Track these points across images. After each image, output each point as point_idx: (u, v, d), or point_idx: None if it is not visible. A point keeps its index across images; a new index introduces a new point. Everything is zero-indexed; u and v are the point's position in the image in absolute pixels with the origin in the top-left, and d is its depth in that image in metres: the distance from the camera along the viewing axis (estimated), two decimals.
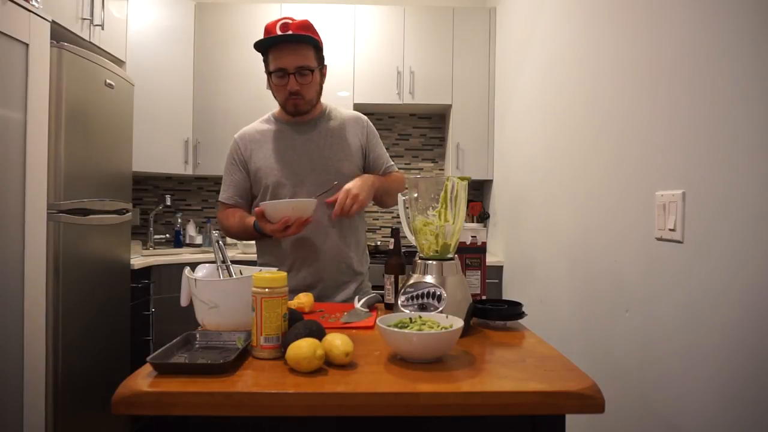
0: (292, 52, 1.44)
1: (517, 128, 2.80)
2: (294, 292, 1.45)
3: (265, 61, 1.51)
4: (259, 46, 1.47)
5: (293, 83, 1.46)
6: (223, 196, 1.60)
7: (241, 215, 1.55)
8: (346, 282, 1.58)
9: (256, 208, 1.40)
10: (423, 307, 1.07)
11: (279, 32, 1.43)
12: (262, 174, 1.53)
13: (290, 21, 1.46)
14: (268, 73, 1.50)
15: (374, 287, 1.68)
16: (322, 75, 1.57)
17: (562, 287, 2.04)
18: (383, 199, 1.61)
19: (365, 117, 1.67)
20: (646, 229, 1.38)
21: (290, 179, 1.52)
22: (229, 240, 3.42)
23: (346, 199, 1.42)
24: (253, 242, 3.29)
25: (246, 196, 1.59)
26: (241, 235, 1.55)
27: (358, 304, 1.33)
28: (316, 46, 1.50)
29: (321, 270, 1.53)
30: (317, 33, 1.52)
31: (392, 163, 1.69)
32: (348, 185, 1.45)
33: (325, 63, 1.57)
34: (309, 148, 1.55)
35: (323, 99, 1.63)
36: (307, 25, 1.47)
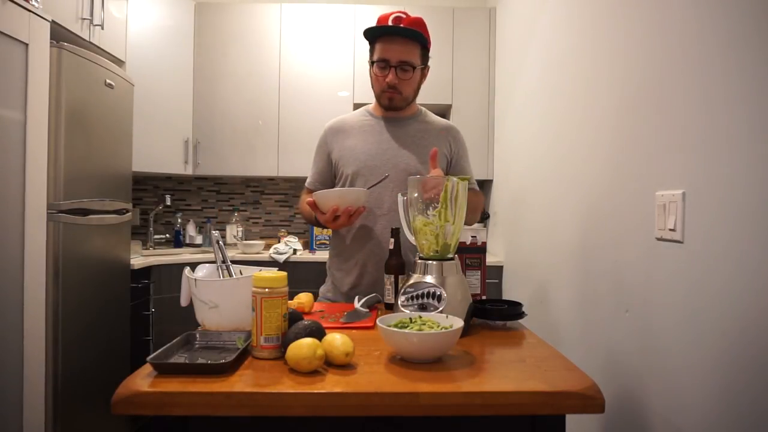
0: (398, 45, 1.45)
1: (517, 128, 2.80)
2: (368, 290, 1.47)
3: (371, 51, 1.53)
4: (369, 34, 1.49)
5: (393, 76, 1.46)
6: (307, 182, 1.64)
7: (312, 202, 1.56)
8: None
9: (308, 199, 1.41)
10: (423, 307, 1.06)
11: (391, 24, 1.46)
12: (343, 162, 1.55)
13: (404, 15, 1.47)
14: (371, 62, 1.52)
15: None
16: (423, 75, 1.57)
17: (562, 287, 2.04)
18: None
19: (458, 129, 1.66)
20: (646, 229, 1.38)
21: (370, 172, 1.52)
22: (229, 240, 3.42)
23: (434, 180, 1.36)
24: (254, 242, 3.29)
25: (327, 183, 1.61)
26: (310, 221, 1.55)
27: (358, 304, 1.33)
28: (424, 45, 1.50)
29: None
30: (428, 32, 1.51)
31: (475, 182, 1.66)
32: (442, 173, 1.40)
33: (429, 64, 1.57)
34: (394, 146, 1.54)
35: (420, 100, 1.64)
36: (419, 23, 1.48)
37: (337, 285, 1.58)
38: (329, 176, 1.61)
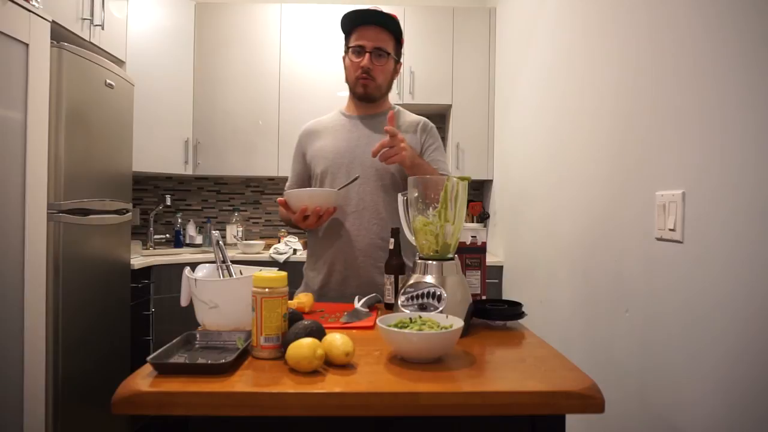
0: (374, 32, 1.50)
1: (517, 128, 2.80)
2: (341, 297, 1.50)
3: (346, 41, 1.56)
4: (346, 23, 1.52)
5: (368, 60, 1.49)
6: (287, 185, 1.68)
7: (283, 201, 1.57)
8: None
9: (279, 198, 1.45)
10: (423, 307, 1.06)
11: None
12: (315, 162, 1.58)
13: (379, 9, 1.51)
14: (347, 51, 1.54)
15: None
16: (396, 70, 1.60)
17: (562, 287, 2.04)
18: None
19: (432, 124, 1.66)
20: (646, 229, 1.38)
21: (337, 170, 1.54)
22: (229, 240, 3.42)
23: (392, 145, 1.37)
24: (254, 242, 3.29)
25: (305, 185, 1.64)
26: (287, 222, 1.56)
27: (358, 304, 1.33)
28: (398, 39, 1.56)
29: (356, 263, 1.53)
30: (400, 28, 1.56)
31: (448, 171, 1.63)
32: (402, 138, 1.41)
33: (401, 61, 1.61)
34: (362, 143, 1.56)
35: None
36: (394, 17, 1.53)
37: (309, 284, 1.60)
38: (306, 178, 1.64)
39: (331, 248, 1.54)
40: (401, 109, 1.68)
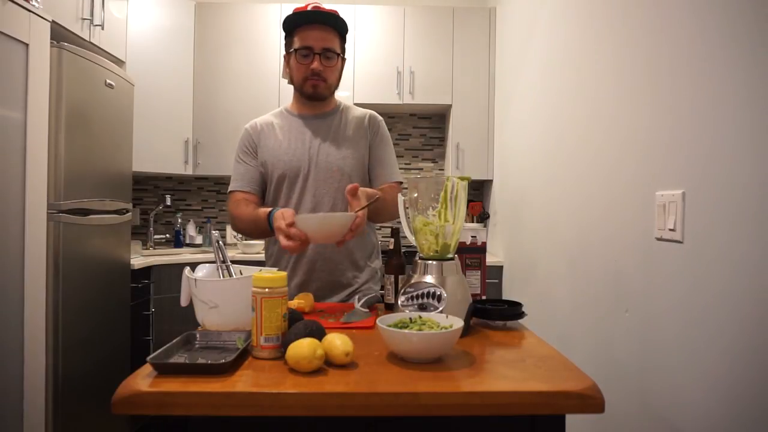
0: (320, 32, 1.45)
1: (517, 128, 2.80)
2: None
3: (289, 42, 1.50)
4: (290, 21, 1.46)
5: (318, 63, 1.45)
6: (234, 185, 1.54)
7: (254, 207, 1.47)
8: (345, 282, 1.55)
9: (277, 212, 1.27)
10: (423, 307, 1.06)
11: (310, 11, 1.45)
12: (270, 164, 1.52)
13: (321, 7, 1.46)
14: (291, 52, 1.48)
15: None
16: (341, 68, 1.55)
17: (562, 287, 2.04)
18: (374, 219, 1.48)
19: (380, 118, 1.62)
20: (646, 229, 1.38)
21: (294, 173, 1.51)
22: (229, 240, 3.42)
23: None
24: (254, 242, 3.28)
25: (258, 184, 1.54)
26: (251, 229, 1.45)
27: (358, 304, 1.33)
28: (342, 35, 1.51)
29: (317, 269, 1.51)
30: (345, 24, 1.51)
31: (396, 175, 1.57)
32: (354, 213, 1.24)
33: (345, 57, 1.56)
34: (315, 143, 1.53)
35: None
36: (336, 14, 1.48)
37: None
38: (258, 177, 1.53)
39: (292, 256, 1.50)
40: (348, 105, 1.63)
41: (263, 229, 1.36)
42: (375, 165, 1.57)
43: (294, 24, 1.46)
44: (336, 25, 1.47)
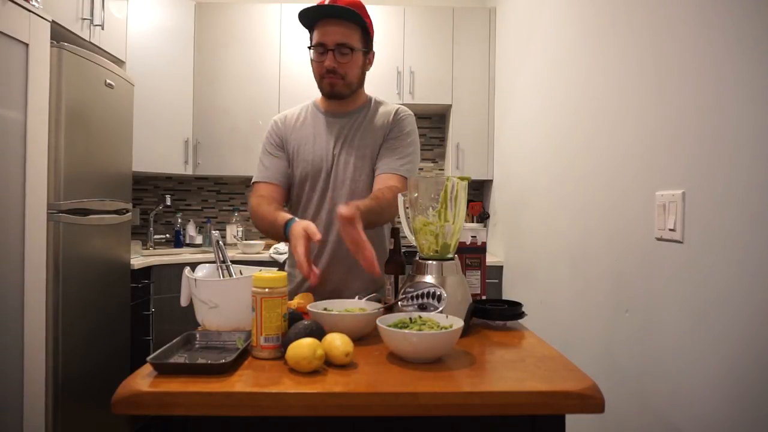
0: (335, 27, 1.38)
1: (517, 128, 2.80)
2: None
3: (310, 37, 1.45)
4: (305, 17, 1.40)
5: (331, 60, 1.39)
6: (258, 176, 1.50)
7: (275, 207, 1.40)
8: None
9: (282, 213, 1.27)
10: (423, 307, 1.06)
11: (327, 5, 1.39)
12: (293, 163, 1.49)
13: (339, 0, 1.39)
14: (309, 49, 1.44)
15: None
16: (368, 61, 1.48)
17: (562, 287, 2.04)
18: (371, 227, 1.34)
19: (408, 112, 1.53)
20: (646, 229, 1.38)
21: (315, 173, 1.48)
22: (229, 240, 3.42)
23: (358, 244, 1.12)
24: (254, 242, 3.28)
25: (284, 175, 1.50)
26: (267, 230, 1.40)
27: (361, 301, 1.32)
28: (364, 27, 1.43)
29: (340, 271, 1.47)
30: (368, 16, 1.44)
31: (399, 168, 1.45)
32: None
33: (374, 50, 1.49)
34: (338, 143, 1.49)
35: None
36: (357, 4, 1.40)
37: (297, 279, 1.51)
38: (284, 168, 1.50)
39: (318, 257, 1.47)
40: (380, 100, 1.56)
41: (279, 234, 1.33)
42: (382, 154, 1.48)
43: (310, 19, 1.42)
44: (355, 19, 1.39)
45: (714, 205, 1.11)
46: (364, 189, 1.47)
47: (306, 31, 1.47)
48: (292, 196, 1.54)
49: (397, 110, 1.52)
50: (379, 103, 1.55)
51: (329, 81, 1.42)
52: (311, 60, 1.45)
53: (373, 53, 1.50)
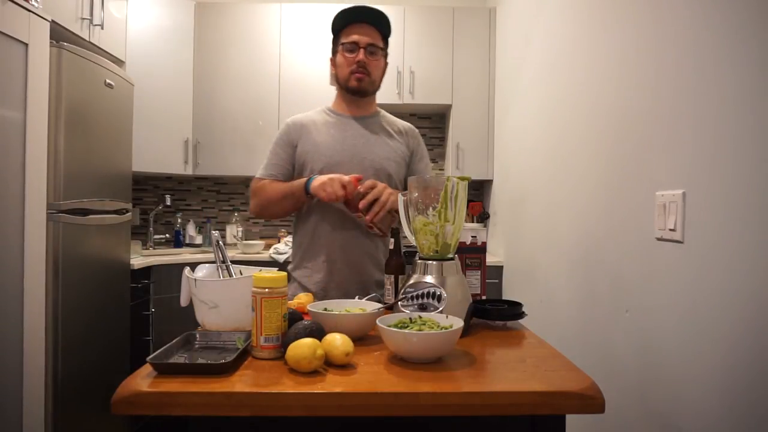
0: (368, 29, 1.53)
1: (517, 128, 2.80)
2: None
3: (335, 42, 1.58)
4: (340, 18, 1.55)
5: (363, 55, 1.51)
6: (263, 172, 1.59)
7: (285, 183, 1.54)
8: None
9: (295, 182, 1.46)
10: (423, 307, 1.06)
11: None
12: (309, 158, 1.54)
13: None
14: (338, 47, 1.55)
15: None
16: (385, 67, 1.61)
17: (562, 287, 2.04)
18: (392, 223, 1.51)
19: (417, 131, 1.70)
20: (646, 229, 1.38)
21: (335, 169, 1.51)
22: (229, 240, 3.42)
23: (378, 205, 1.40)
24: (254, 242, 3.28)
25: (287, 176, 1.58)
26: (278, 198, 1.52)
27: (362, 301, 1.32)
28: (385, 37, 1.58)
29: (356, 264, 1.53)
30: (389, 25, 1.59)
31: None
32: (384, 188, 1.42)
33: (388, 61, 1.62)
34: (359, 142, 1.56)
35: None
36: (383, 14, 1.56)
37: (305, 284, 1.54)
38: (289, 170, 1.58)
39: (331, 246, 1.52)
40: (385, 113, 1.69)
41: (297, 193, 1.47)
42: (415, 169, 1.64)
43: (343, 21, 1.54)
44: (381, 26, 1.55)
45: (714, 205, 1.11)
46: (389, 185, 1.53)
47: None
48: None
49: (412, 128, 1.68)
50: (386, 114, 1.68)
51: (358, 76, 1.52)
52: (338, 62, 1.56)
53: (387, 63, 1.62)
